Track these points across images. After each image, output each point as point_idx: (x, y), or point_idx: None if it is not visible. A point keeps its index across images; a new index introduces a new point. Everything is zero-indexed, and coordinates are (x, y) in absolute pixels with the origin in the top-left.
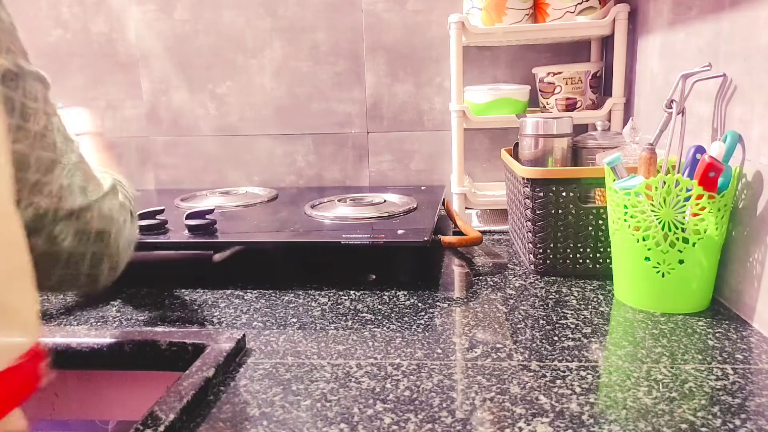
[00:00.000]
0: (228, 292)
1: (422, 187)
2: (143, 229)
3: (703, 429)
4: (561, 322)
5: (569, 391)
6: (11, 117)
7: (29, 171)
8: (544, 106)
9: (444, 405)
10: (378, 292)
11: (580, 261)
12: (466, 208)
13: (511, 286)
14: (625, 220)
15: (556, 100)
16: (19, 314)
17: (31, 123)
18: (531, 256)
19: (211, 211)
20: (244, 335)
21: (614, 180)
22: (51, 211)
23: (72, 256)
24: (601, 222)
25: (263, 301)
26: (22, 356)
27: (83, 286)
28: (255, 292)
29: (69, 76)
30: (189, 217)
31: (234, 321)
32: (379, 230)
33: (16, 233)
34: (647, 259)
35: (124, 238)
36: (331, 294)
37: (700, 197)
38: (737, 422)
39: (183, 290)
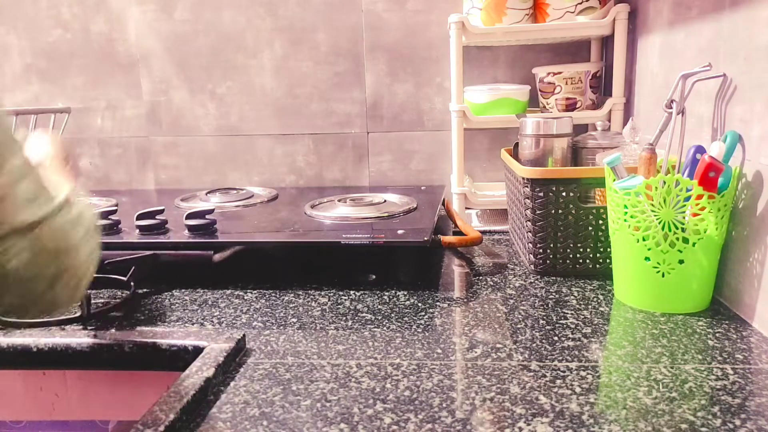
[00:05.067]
0: (228, 292)
1: (422, 187)
2: (143, 229)
3: (703, 429)
4: (561, 322)
5: (569, 391)
6: None
7: None
8: (544, 106)
9: (444, 405)
10: (378, 292)
11: (580, 261)
12: (466, 208)
13: (511, 286)
14: (625, 220)
15: (556, 100)
16: None
17: None
18: (531, 256)
19: (211, 211)
20: (244, 335)
21: (614, 180)
22: None
23: (23, 278)
24: (601, 222)
25: (263, 301)
26: None
27: (42, 310)
28: (255, 292)
29: (69, 76)
30: (189, 217)
31: (234, 321)
32: (379, 230)
33: None
34: (647, 259)
35: (85, 254)
36: (331, 294)
37: (700, 197)
38: (737, 422)
39: (183, 290)
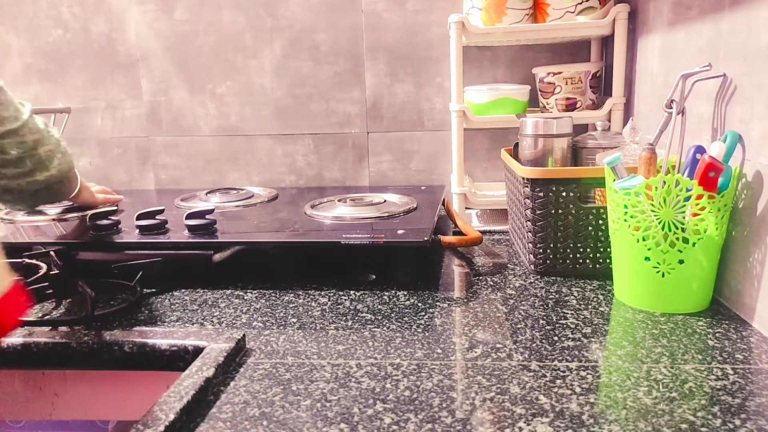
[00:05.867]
0: (228, 292)
1: (422, 187)
2: (143, 229)
3: (703, 429)
4: (561, 322)
5: (569, 391)
6: None
7: None
8: (544, 106)
9: (444, 405)
10: (378, 292)
11: (580, 261)
12: (466, 208)
13: (511, 286)
14: (625, 220)
15: (556, 100)
16: None
17: None
18: (531, 256)
19: (211, 211)
20: (244, 335)
21: (614, 180)
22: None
23: (18, 160)
24: (601, 222)
25: (263, 301)
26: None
27: (38, 190)
28: (255, 292)
29: (69, 76)
30: (189, 217)
31: (234, 321)
32: (379, 230)
33: None
34: (647, 259)
35: (52, 144)
36: (331, 294)
37: (700, 197)
38: (737, 422)
39: (183, 290)
